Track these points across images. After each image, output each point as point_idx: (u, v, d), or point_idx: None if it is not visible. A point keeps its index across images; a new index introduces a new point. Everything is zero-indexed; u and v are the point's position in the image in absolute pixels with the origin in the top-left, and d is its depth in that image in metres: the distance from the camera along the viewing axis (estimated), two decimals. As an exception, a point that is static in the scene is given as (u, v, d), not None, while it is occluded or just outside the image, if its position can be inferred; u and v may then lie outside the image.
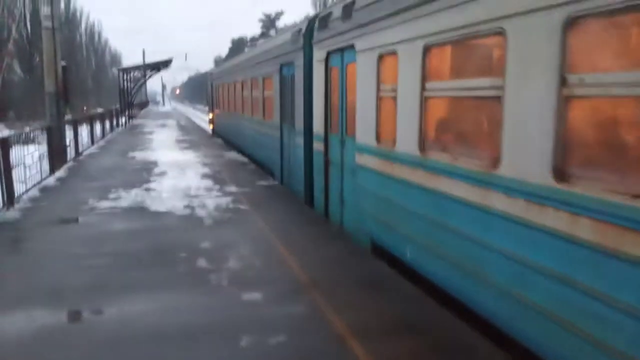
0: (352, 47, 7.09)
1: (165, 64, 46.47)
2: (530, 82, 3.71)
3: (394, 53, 5.84)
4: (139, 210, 9.01)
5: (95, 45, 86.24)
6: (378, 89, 6.34)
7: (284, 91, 11.08)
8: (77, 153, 16.91)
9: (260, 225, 7.99)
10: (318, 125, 8.83)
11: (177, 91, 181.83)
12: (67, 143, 15.55)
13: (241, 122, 17.29)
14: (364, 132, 6.80)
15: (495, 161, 4.11)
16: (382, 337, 4.37)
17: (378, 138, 6.40)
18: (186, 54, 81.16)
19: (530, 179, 3.72)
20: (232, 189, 10.95)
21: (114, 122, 30.52)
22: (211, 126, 28.69)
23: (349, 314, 4.77)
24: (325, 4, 49.16)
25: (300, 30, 9.74)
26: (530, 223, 3.73)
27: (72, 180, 12.35)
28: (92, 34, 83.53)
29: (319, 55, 8.62)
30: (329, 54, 8.15)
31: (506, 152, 3.99)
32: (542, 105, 3.58)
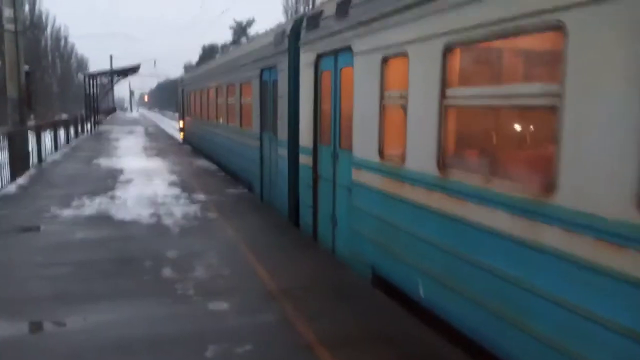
0: (348, 48, 6.33)
1: (133, 70, 45.84)
2: (605, 91, 2.95)
3: (403, 54, 5.06)
4: (103, 219, 8.81)
5: (61, 50, 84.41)
6: (382, 96, 5.55)
7: (264, 98, 10.30)
8: (40, 160, 16.46)
9: (230, 234, 7.92)
10: (305, 136, 7.99)
11: (146, 97, 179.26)
12: (30, 149, 15.14)
13: (215, 131, 16.57)
14: (363, 145, 5.98)
15: (549, 187, 3.32)
16: (352, 347, 4.37)
17: (382, 152, 5.58)
18: (155, 60, 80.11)
19: (604, 212, 2.95)
20: (201, 196, 10.83)
21: (79, 128, 29.87)
22: (181, 134, 28.35)
23: (318, 324, 4.76)
24: (296, 12, 49.37)
25: (284, 31, 9.01)
26: (600, 268, 2.98)
27: (34, 187, 12.01)
28: (58, 39, 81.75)
29: (307, 58, 7.82)
30: (319, 56, 7.37)
31: (565, 176, 3.19)
32: (625, 121, 2.83)
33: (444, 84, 4.39)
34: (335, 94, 6.93)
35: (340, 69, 6.76)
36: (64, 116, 41.38)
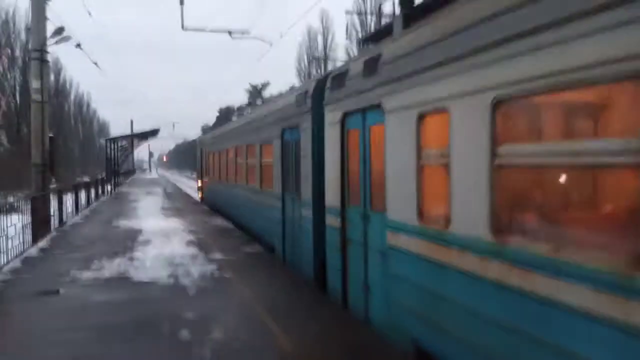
0: (378, 106, 6.04)
1: (153, 133, 47.16)
2: None
3: (443, 110, 4.69)
4: (122, 281, 8.86)
5: (84, 115, 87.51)
6: (419, 155, 5.18)
7: (286, 158, 10.15)
8: (61, 222, 16.76)
9: (246, 295, 7.89)
10: (332, 197, 7.63)
11: (165, 158, 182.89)
12: (51, 212, 15.46)
13: (235, 191, 16.45)
14: (399, 206, 5.57)
15: None
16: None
17: (421, 215, 5.17)
18: (174, 123, 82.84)
19: None
20: (218, 256, 10.85)
21: (99, 191, 30.49)
22: (200, 194, 28.67)
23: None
24: (309, 75, 50.84)
25: (306, 91, 8.96)
26: None
27: (55, 250, 12.17)
28: (81, 104, 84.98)
29: (332, 117, 7.58)
30: (345, 115, 7.12)
31: None
32: None
33: (495, 141, 4.00)
34: (364, 153, 6.63)
35: (370, 127, 6.48)
36: (85, 178, 42.38)
